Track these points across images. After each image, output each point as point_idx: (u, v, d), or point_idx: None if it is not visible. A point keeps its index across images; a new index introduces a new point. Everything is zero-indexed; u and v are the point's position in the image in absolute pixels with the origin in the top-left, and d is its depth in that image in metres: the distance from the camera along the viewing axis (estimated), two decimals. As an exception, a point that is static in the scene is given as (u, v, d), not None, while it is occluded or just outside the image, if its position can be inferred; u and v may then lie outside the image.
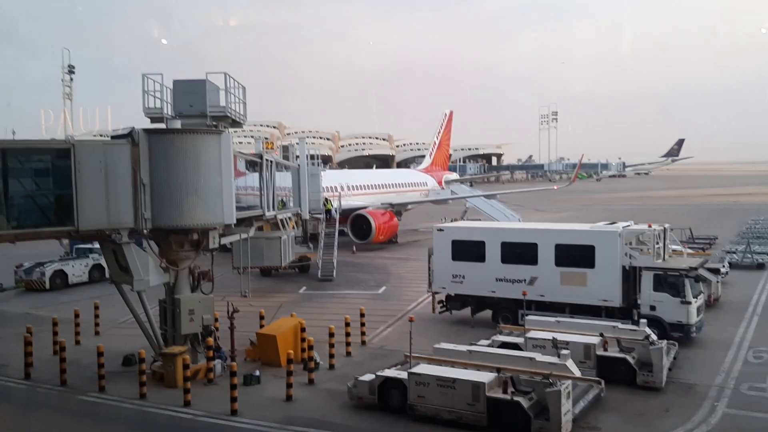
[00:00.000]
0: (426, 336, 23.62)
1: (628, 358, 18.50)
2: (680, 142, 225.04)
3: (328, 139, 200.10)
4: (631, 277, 22.75)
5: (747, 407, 16.84)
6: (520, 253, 24.42)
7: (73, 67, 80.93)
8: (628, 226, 23.78)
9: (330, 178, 48.21)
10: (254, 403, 17.67)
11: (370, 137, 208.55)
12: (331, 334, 20.80)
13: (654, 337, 19.33)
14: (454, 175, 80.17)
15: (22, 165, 17.14)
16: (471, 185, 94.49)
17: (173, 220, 17.97)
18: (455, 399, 15.77)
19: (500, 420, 15.50)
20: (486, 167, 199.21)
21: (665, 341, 18.99)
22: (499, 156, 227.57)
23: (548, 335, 19.07)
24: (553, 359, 16.84)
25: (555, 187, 79.04)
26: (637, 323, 20.66)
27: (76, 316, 24.70)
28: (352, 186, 54.19)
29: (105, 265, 22.67)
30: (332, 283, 35.43)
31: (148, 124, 19.92)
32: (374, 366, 19.79)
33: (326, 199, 39.78)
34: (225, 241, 21.70)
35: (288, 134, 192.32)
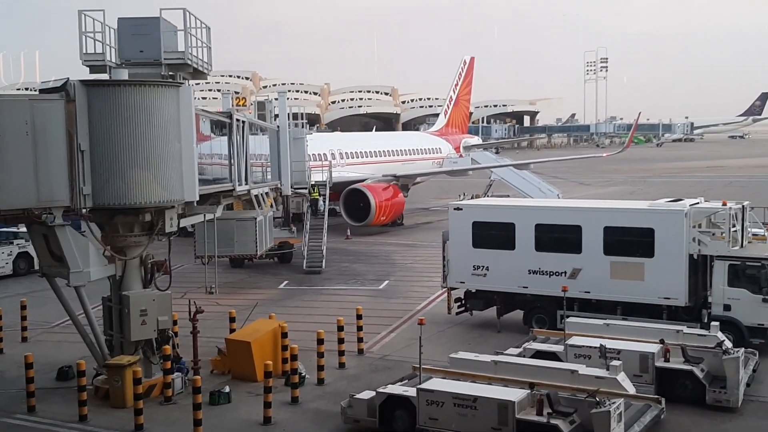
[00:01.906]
0: (440, 343, 23.70)
1: (696, 370, 18.58)
2: (764, 98, 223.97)
3: (315, 93, 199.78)
4: (700, 268, 22.79)
5: None
6: (559, 238, 24.41)
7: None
8: (697, 204, 23.75)
9: (318, 143, 48.13)
10: (223, 427, 17.79)
11: (368, 91, 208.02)
12: (320, 341, 20.88)
13: (728, 344, 19.41)
14: (476, 139, 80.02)
15: None
16: (497, 152, 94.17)
17: (119, 197, 17.96)
18: (477, 422, 15.86)
19: (533, 448, 15.60)
20: (516, 129, 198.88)
21: (742, 349, 19.06)
22: (533, 115, 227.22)
23: (595, 342, 19.14)
24: (601, 372, 16.91)
25: (604, 155, 78.86)
26: (707, 327, 20.73)
27: (-2, 317, 24.85)
28: (346, 153, 54.14)
29: (33, 253, 22.74)
30: (321, 276, 35.54)
31: (86, 74, 19.82)
32: (374, 380, 19.88)
33: (312, 186, 39.43)
34: (185, 223, 21.71)
35: (264, 87, 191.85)
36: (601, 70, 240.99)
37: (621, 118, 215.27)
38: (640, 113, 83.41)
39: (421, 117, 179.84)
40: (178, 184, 18.77)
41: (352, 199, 47.21)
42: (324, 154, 49.54)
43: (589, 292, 23.71)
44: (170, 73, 20.10)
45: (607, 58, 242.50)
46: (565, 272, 24.07)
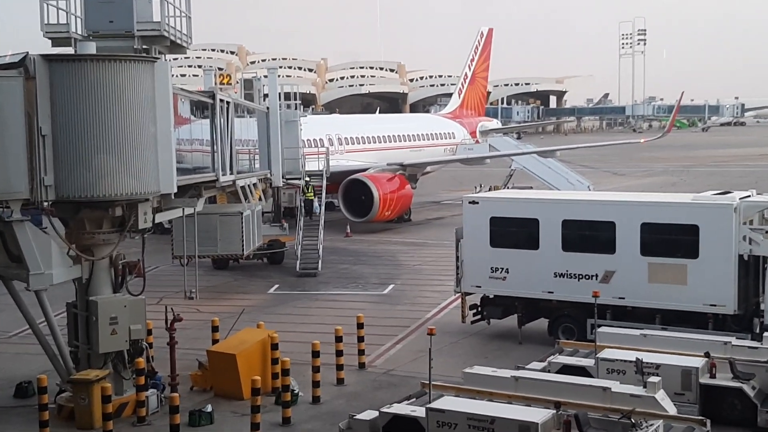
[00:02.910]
0: (452, 356, 23.72)
1: (746, 388, 18.54)
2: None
3: (310, 70, 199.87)
4: (751, 271, 22.69)
5: None
6: (589, 236, 24.38)
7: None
8: (748, 197, 23.68)
9: (313, 127, 48.19)
10: (205, 452, 17.84)
11: (371, 67, 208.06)
12: (316, 353, 20.91)
13: (784, 358, 19.34)
14: (494, 123, 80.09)
15: None
16: (519, 137, 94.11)
17: (86, 189, 17.96)
18: (495, 446, 15.82)
19: (559, 476, 15.58)
20: (541, 111, 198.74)
21: (800, 364, 19.00)
22: (560, 95, 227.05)
23: (630, 355, 19.11)
24: (638, 390, 16.88)
25: (642, 141, 78.81)
26: (759, 338, 20.67)
27: (-52, 326, 24.94)
28: (346, 139, 54.16)
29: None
30: (316, 280, 35.58)
31: (49, 48, 19.81)
32: (377, 399, 19.90)
33: (306, 183, 39.31)
34: (161, 218, 21.72)
35: (252, 63, 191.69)
36: (638, 44, 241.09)
37: (661, 99, 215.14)
38: (683, 93, 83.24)
39: (431, 97, 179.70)
40: (153, 174, 18.77)
41: (352, 192, 47.20)
42: (320, 139, 49.55)
43: (623, 298, 23.69)
44: (144, 46, 20.09)
45: (645, 30, 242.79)
46: (597, 275, 24.03)
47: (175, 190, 19.94)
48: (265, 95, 36.71)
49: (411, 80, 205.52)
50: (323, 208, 39.92)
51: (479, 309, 26.35)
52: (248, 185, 29.26)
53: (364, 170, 48.93)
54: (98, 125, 17.75)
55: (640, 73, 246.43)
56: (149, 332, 21.54)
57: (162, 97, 19.02)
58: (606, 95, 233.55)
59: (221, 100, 25.20)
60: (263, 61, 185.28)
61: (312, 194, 39.62)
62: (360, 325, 23.44)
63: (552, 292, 24.77)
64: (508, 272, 25.33)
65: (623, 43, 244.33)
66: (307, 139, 45.57)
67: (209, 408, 19.63)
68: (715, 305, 22.66)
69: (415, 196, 52.87)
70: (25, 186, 17.65)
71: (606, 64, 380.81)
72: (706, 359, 19.09)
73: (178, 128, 20.68)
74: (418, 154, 59.29)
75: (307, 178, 39.57)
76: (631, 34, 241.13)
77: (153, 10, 20.23)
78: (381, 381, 22.18)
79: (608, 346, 20.15)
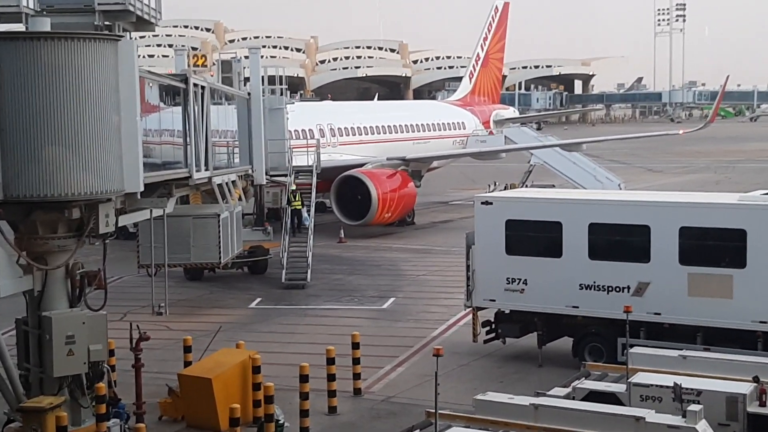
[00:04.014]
0: (462, 381, 23.72)
1: (801, 418, 18.49)
2: None
3: (298, 50, 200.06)
4: (807, 283, 22.69)
5: None
6: (620, 242, 24.40)
7: None
8: (804, 197, 23.72)
9: (302, 115, 48.17)
10: (176, 491, 17.82)
11: (369, 47, 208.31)
12: (304, 377, 20.87)
13: None
14: (511, 111, 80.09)
15: None
16: (539, 128, 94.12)
17: (38, 187, 17.92)
18: (510, 485, 15.81)
19: None
20: (565, 98, 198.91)
21: None
22: (586, 79, 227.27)
23: (667, 380, 19.10)
24: (676, 420, 16.86)
25: (680, 132, 78.73)
26: (816, 360, 20.62)
27: None
28: (340, 129, 54.14)
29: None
30: (305, 292, 35.57)
31: (-5, 24, 19.79)
32: (375, 430, 19.86)
33: (293, 191, 38.78)
34: (126, 221, 21.70)
35: (231, 42, 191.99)
36: (676, 20, 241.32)
37: (703, 84, 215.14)
38: (728, 77, 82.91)
39: (438, 82, 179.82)
40: (117, 170, 18.75)
41: (346, 190, 47.22)
42: (310, 130, 49.52)
43: (659, 314, 23.67)
44: (106, 23, 20.09)
45: (684, 4, 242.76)
46: (629, 287, 24.03)
47: (142, 189, 19.92)
48: (246, 79, 36.71)
49: (414, 62, 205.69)
50: (312, 219, 39.66)
51: (493, 326, 26.32)
52: (226, 183, 29.24)
53: (361, 166, 48.93)
54: (53, 114, 17.71)
55: (678, 55, 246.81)
56: (111, 353, 21.51)
57: (127, 82, 19.00)
58: (639, 79, 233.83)
59: (195, 85, 25.19)
60: (244, 39, 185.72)
61: (300, 203, 38.90)
62: (355, 345, 23.39)
63: (577, 307, 24.74)
64: (526, 284, 25.29)
65: (659, 20, 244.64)
66: (295, 130, 45.53)
67: (181, 441, 19.58)
68: (765, 322, 22.64)
69: (420, 196, 52.84)
70: (-33, 184, 17.62)
71: (639, 43, 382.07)
72: (755, 384, 19.05)
73: (145, 117, 20.67)
74: (423, 147, 59.29)
75: (293, 187, 39.03)
76: (668, 9, 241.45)
77: (116, -20, 20.28)
78: (379, 409, 22.13)
79: (642, 369, 20.12)
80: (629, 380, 19.41)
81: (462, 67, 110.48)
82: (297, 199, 38.82)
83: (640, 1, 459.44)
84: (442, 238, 46.89)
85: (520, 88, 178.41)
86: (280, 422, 20.40)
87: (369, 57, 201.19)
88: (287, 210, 38.38)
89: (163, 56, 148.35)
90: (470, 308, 26.52)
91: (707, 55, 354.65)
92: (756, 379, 19.23)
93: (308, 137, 47.44)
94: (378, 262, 41.44)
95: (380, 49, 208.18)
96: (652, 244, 23.79)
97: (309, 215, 39.22)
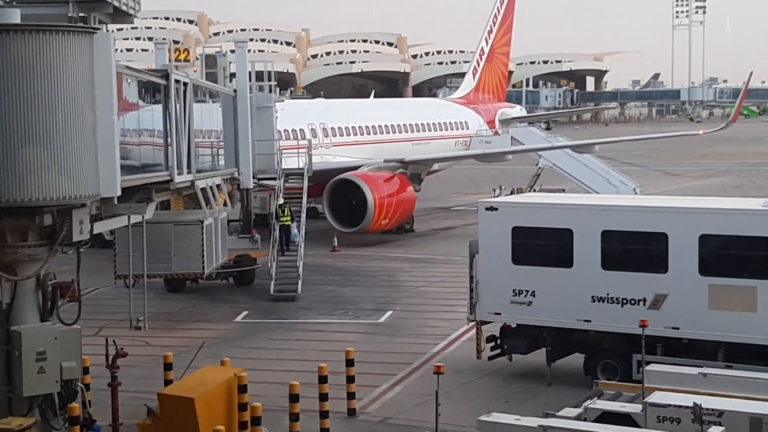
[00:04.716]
0: (465, 400, 23.68)
1: (831, 441, 18.50)
2: None
3: (289, 44, 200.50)
4: (836, 295, 22.72)
5: None
6: (636, 251, 24.45)
7: None
8: (833, 202, 23.75)
9: (292, 114, 48.20)
10: None
11: (364, 41, 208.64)
12: (294, 397, 20.86)
13: None
14: (517, 110, 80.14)
15: None
16: (548, 127, 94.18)
17: (7, 191, 17.85)
18: None
19: None
20: (576, 95, 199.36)
21: None
22: (599, 75, 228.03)
23: (686, 399, 19.11)
24: (695, 443, 16.84)
25: (700, 132, 78.84)
26: None
27: None
28: (333, 129, 54.17)
29: None
30: (296, 305, 35.56)
31: (-40, 15, 19.75)
32: (371, 454, 19.84)
33: (281, 206, 38.42)
34: (102, 228, 21.64)
35: (216, 35, 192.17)
36: (696, 12, 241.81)
37: (724, 81, 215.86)
38: (751, 73, 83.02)
39: (439, 78, 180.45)
40: (92, 173, 18.72)
41: (340, 195, 47.25)
42: (301, 130, 49.55)
43: (678, 329, 23.67)
44: (81, 14, 20.06)
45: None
46: (645, 300, 24.03)
47: (119, 193, 19.87)
48: (232, 75, 36.70)
49: (414, 57, 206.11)
50: (303, 228, 39.59)
51: (498, 342, 26.31)
52: (210, 187, 29.21)
53: (356, 168, 48.98)
54: (22, 112, 17.67)
55: (698, 49, 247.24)
56: (86, 371, 21.48)
57: (103, 78, 18.97)
58: (656, 76, 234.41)
59: (177, 81, 25.15)
60: (230, 32, 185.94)
61: (289, 218, 38.65)
62: (350, 362, 23.34)
63: (589, 321, 24.73)
64: (534, 296, 25.29)
65: (677, 12, 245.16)
66: (285, 130, 45.56)
67: (161, 465, 19.56)
68: (792, 337, 22.67)
69: (420, 201, 52.91)
70: (-71, 188, 17.60)
71: (656, 37, 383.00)
72: (782, 405, 19.06)
73: (122, 116, 20.61)
74: (423, 148, 59.34)
75: (281, 200, 38.77)
76: (687, 1, 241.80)
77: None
78: (376, 431, 22.06)
79: (659, 387, 20.13)
80: (645, 400, 19.41)
81: (465, 62, 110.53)
82: (286, 213, 38.55)
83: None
84: (443, 247, 46.90)
85: (527, 85, 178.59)
86: (269, 445, 20.40)
87: (365, 51, 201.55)
88: (275, 225, 38.24)
89: (143, 50, 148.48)
90: (474, 322, 26.52)
91: (729, 49, 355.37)
92: (782, 399, 19.26)
93: (299, 138, 47.47)
94: (374, 273, 41.44)
95: (377, 42, 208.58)
96: (670, 254, 23.79)
97: (299, 231, 38.82)
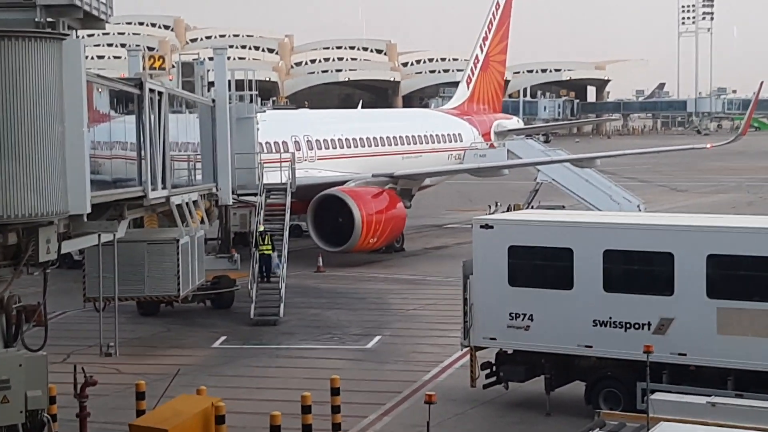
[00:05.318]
0: (458, 431, 23.56)
1: None
2: None
3: (271, 50, 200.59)
4: None
5: None
6: (640, 272, 24.47)
7: None
8: None
9: (275, 126, 48.19)
10: None
11: (352, 48, 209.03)
12: (276, 429, 20.81)
13: None
14: (514, 121, 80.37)
15: None
16: (547, 140, 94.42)
17: (-33, 208, 17.86)
18: None
19: None
20: (576, 106, 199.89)
21: None
22: (601, 85, 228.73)
23: (694, 431, 19.10)
24: (704, 477, 16.83)
25: (708, 146, 79.08)
26: None
27: None
28: (318, 142, 54.19)
29: None
30: (277, 330, 35.48)
31: None
32: (358, 489, 19.79)
33: (260, 233, 37.57)
34: (70, 247, 21.60)
35: (193, 41, 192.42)
36: (703, 19, 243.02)
37: (733, 91, 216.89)
38: (762, 83, 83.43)
39: (431, 87, 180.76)
40: (60, 189, 18.68)
41: (326, 212, 47.20)
42: (284, 142, 49.54)
43: (684, 355, 23.68)
44: (49, 19, 20.05)
45: (712, 1, 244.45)
46: (649, 324, 24.03)
47: (89, 210, 19.85)
48: (211, 84, 36.72)
49: (404, 65, 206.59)
50: (287, 233, 39.59)
51: (494, 369, 26.28)
52: (187, 203, 29.20)
53: (343, 183, 48.98)
54: (-16, 123, 17.67)
55: (705, 57, 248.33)
56: (52, 400, 21.38)
57: (72, 87, 18.97)
58: (661, 86, 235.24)
59: (151, 91, 25.17)
60: (208, 38, 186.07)
61: (270, 247, 37.84)
62: (335, 391, 23.29)
63: (590, 347, 24.72)
64: (532, 320, 25.26)
65: (683, 18, 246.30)
66: (267, 143, 45.56)
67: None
68: (806, 364, 22.71)
69: (410, 218, 52.89)
70: None
71: (661, 44, 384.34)
72: (796, 436, 19.08)
73: (93, 127, 20.61)
74: (414, 162, 59.42)
75: (262, 228, 38.13)
76: (693, 6, 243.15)
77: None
78: (363, 465, 22.11)
79: (665, 418, 20.10)
80: (650, 431, 19.43)
81: (458, 70, 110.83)
82: (266, 242, 37.86)
83: (660, 1, 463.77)
84: (435, 267, 46.85)
85: (525, 95, 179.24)
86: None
87: (352, 59, 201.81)
88: (254, 254, 37.72)
89: (115, 57, 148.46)
90: (468, 348, 26.45)
91: (738, 58, 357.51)
92: (796, 430, 19.28)
93: (282, 151, 47.42)
94: (362, 295, 41.39)
95: (365, 49, 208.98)
96: (677, 275, 23.81)
97: (281, 260, 38.15)
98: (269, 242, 37.90)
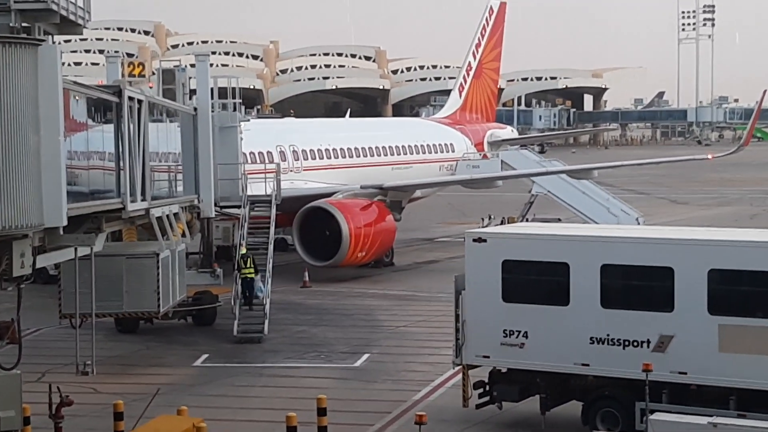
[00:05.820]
0: (450, 454, 23.61)
1: None
2: None
3: (255, 57, 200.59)
4: None
5: None
6: (639, 287, 24.48)
7: None
8: None
9: (259, 135, 48.21)
10: None
11: (339, 54, 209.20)
12: (260, 451, 20.81)
13: None
14: (508, 131, 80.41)
15: None
16: (542, 150, 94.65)
17: (-61, 220, 17.84)
18: None
19: None
20: (572, 115, 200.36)
21: None
22: (598, 93, 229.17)
23: (695, 453, 19.12)
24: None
25: (709, 156, 79.28)
26: None
27: None
28: (304, 152, 54.17)
29: None
30: (261, 347, 35.42)
31: None
32: None
33: (242, 255, 37.20)
34: (45, 262, 21.57)
35: (174, 47, 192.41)
36: (704, 25, 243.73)
37: (735, 100, 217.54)
38: (765, 92, 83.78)
39: (422, 95, 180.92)
40: (35, 200, 18.68)
41: (312, 225, 47.20)
42: (269, 152, 49.53)
43: (685, 373, 23.65)
44: (24, 24, 20.06)
45: (713, 6, 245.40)
46: (648, 341, 24.02)
47: (65, 223, 19.84)
48: (192, 91, 36.71)
49: (394, 72, 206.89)
50: (272, 246, 39.51)
51: (487, 388, 26.26)
52: (167, 216, 29.17)
53: (330, 195, 48.95)
54: (-43, 132, 17.66)
55: (706, 65, 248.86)
56: (27, 421, 21.32)
57: (48, 94, 18.98)
58: (660, 94, 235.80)
59: (130, 99, 25.18)
60: (190, 44, 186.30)
61: (252, 270, 37.18)
62: (321, 411, 23.26)
63: (587, 365, 24.70)
64: (526, 337, 25.24)
65: (683, 24, 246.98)
66: (251, 153, 45.57)
67: None
68: (811, 383, 22.74)
69: (400, 231, 52.89)
70: None
71: (660, 51, 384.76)
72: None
73: (69, 137, 20.61)
74: (404, 173, 59.43)
75: (244, 250, 37.57)
76: (693, 11, 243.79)
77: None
78: (350, 489, 22.07)
79: (665, 439, 20.15)
80: (650, 453, 19.45)
81: (450, 78, 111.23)
82: (249, 265, 37.31)
83: (661, 3, 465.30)
84: (426, 282, 46.83)
85: (519, 104, 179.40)
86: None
87: (340, 66, 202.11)
88: (237, 278, 37.18)
89: (93, 64, 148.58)
90: (460, 366, 26.44)
91: (740, 65, 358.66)
92: (801, 452, 19.32)
93: (266, 161, 47.42)
94: (349, 311, 41.34)
95: (353, 56, 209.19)
96: (677, 290, 23.81)
97: (264, 284, 37.57)
98: (251, 265, 37.28)
